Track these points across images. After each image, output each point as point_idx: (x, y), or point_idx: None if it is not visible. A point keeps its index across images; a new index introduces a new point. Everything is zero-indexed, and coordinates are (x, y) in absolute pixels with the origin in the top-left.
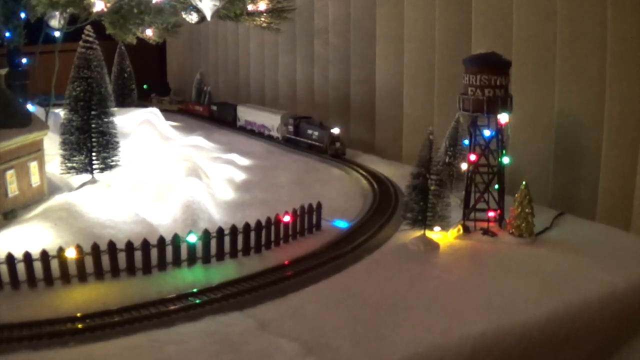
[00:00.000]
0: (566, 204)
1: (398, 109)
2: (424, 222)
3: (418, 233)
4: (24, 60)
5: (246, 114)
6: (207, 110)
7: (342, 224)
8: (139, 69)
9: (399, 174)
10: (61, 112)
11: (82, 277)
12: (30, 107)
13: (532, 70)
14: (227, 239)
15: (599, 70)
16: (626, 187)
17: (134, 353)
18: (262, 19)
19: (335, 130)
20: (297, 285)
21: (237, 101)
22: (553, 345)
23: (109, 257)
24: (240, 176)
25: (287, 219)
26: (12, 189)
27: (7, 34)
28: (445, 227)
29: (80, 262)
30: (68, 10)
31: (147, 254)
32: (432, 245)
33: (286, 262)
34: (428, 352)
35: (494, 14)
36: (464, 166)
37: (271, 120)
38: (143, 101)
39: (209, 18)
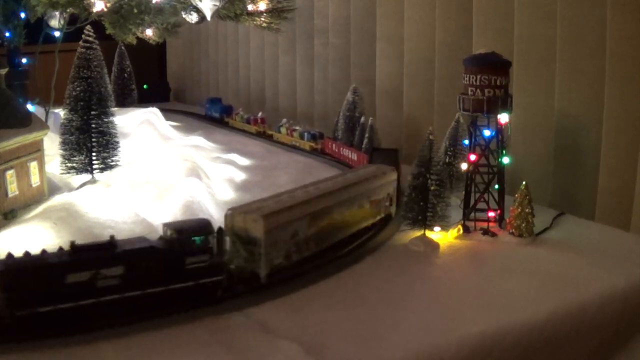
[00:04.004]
0: (566, 204)
1: (398, 109)
2: (424, 222)
3: (418, 233)
4: (24, 60)
5: None
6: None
7: None
8: (139, 69)
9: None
10: (61, 112)
11: None
12: (30, 107)
13: (533, 70)
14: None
15: (599, 70)
16: (626, 187)
17: (134, 353)
18: (262, 19)
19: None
20: (297, 285)
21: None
22: (553, 345)
23: None
24: (240, 176)
25: None
26: (12, 189)
27: (7, 34)
28: (445, 227)
29: None
30: (68, 10)
31: None
32: (432, 245)
33: None
34: (428, 352)
35: (494, 13)
36: (464, 166)
37: None
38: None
39: (209, 18)
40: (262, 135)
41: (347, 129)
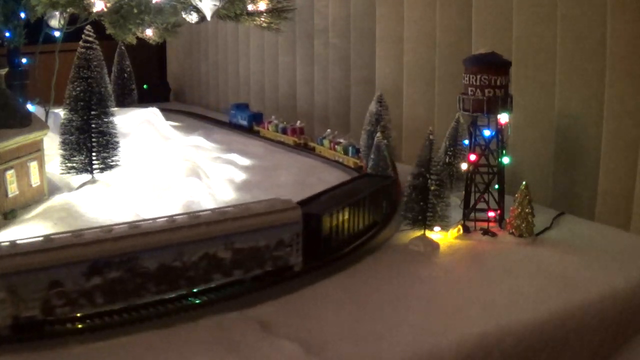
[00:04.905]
0: (566, 204)
1: (398, 109)
2: (424, 222)
3: (418, 233)
4: (24, 60)
5: None
6: None
7: None
8: (139, 69)
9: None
10: (61, 112)
11: None
12: (30, 107)
13: (532, 70)
14: None
15: (599, 70)
16: (626, 187)
17: (133, 353)
18: (262, 19)
19: None
20: (297, 285)
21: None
22: (553, 345)
23: None
24: (241, 176)
25: None
26: (12, 189)
27: (7, 34)
28: (445, 227)
29: None
30: (68, 10)
31: None
32: (432, 246)
33: None
34: (428, 352)
35: (494, 14)
36: (464, 166)
37: None
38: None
39: (209, 18)
40: (303, 148)
41: (368, 145)
